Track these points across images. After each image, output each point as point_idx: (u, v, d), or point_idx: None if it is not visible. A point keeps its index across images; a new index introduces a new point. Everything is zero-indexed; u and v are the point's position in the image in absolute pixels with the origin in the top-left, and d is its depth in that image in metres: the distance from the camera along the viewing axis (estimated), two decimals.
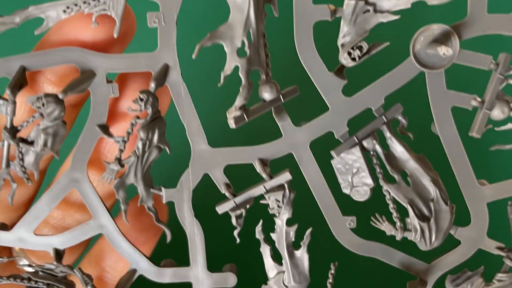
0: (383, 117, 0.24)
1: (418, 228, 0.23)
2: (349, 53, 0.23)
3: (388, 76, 0.23)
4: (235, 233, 0.25)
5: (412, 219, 0.24)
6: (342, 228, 0.25)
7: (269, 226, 0.25)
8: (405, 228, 0.24)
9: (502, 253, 0.25)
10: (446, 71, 0.23)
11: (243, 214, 0.25)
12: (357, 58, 0.23)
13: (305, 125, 0.24)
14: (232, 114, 0.23)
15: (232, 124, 0.23)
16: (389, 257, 0.25)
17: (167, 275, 0.25)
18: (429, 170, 0.24)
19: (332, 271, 0.25)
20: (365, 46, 0.23)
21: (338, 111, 0.23)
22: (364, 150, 0.24)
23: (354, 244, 0.25)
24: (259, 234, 0.25)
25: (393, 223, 0.24)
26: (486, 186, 0.24)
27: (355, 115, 0.23)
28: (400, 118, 0.24)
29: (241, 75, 0.22)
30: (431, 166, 0.24)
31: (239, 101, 0.22)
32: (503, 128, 0.23)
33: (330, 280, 0.25)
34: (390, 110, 0.24)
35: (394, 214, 0.24)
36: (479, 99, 0.23)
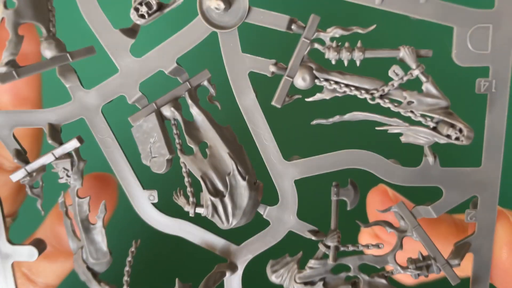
0: (187, 83, 0.22)
1: (210, 203, 0.21)
2: (137, 9, 0.21)
3: (177, 36, 0.21)
4: (38, 204, 0.23)
5: (204, 194, 0.21)
6: (144, 204, 0.23)
7: None
8: (198, 204, 0.22)
9: (313, 237, 0.22)
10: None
11: (41, 184, 0.23)
12: (146, 15, 0.21)
13: (94, 88, 0.22)
14: None
15: None
16: (194, 236, 0.23)
17: None
18: (231, 143, 0.22)
19: (133, 249, 0.23)
20: (154, 2, 0.21)
21: (128, 73, 0.21)
22: (165, 118, 0.22)
23: (158, 221, 0.23)
24: (61, 206, 0.23)
25: (187, 198, 0.22)
26: (293, 162, 0.22)
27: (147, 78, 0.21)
28: (207, 85, 0.22)
29: (8, 27, 0.20)
30: (236, 138, 0.22)
31: (5, 56, 0.20)
32: (310, 99, 0.21)
33: (129, 258, 0.23)
34: (195, 76, 0.22)
35: (188, 188, 0.22)
36: (282, 65, 0.21)
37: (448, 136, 0.20)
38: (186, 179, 0.22)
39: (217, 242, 0.23)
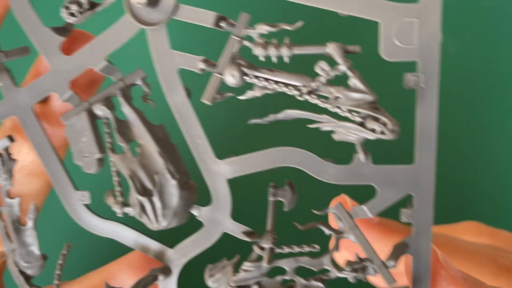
0: (120, 82, 0.22)
1: (137, 203, 0.21)
2: (67, 7, 0.21)
3: (107, 33, 0.21)
4: None
5: (132, 193, 0.21)
6: (76, 205, 0.22)
7: None
8: (127, 204, 0.21)
9: (248, 239, 0.22)
10: None
11: None
12: (77, 14, 0.21)
13: (25, 87, 0.22)
14: None
15: None
16: (129, 239, 0.23)
17: None
18: (162, 142, 0.21)
19: (64, 251, 0.22)
20: (85, 1, 0.21)
21: (58, 71, 0.21)
22: (97, 117, 0.22)
23: (91, 223, 0.23)
24: None
25: (115, 198, 0.22)
26: (225, 161, 0.21)
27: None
28: (141, 84, 0.22)
29: None
30: (168, 137, 0.22)
31: None
32: (242, 97, 0.21)
33: (60, 261, 0.22)
34: (129, 75, 0.22)
35: (116, 188, 0.22)
36: (211, 62, 0.21)
37: (373, 131, 0.19)
38: (115, 178, 0.21)
39: (151, 245, 0.23)
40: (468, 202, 0.38)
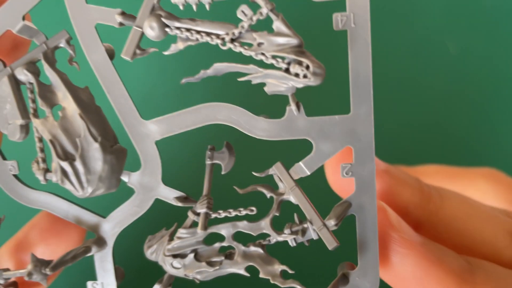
0: (44, 45, 0.21)
1: (59, 168, 0.20)
2: None
3: None
4: None
5: (54, 159, 0.20)
6: (5, 176, 0.21)
7: None
8: (50, 169, 0.20)
9: (181, 204, 0.20)
10: None
11: None
12: None
13: None
14: None
15: None
16: (61, 210, 0.21)
17: None
18: (85, 105, 0.20)
19: None
20: None
21: None
22: (20, 83, 0.21)
23: (21, 195, 0.22)
24: None
25: (38, 165, 0.20)
26: (151, 121, 0.20)
27: None
28: (65, 46, 0.21)
29: None
30: (93, 100, 0.20)
31: None
32: (166, 52, 0.20)
33: None
34: (52, 38, 0.21)
35: (39, 154, 0.20)
36: (130, 15, 0.19)
37: (297, 75, 0.18)
38: (37, 144, 0.20)
39: (85, 216, 0.21)
40: None
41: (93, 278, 0.22)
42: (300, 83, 0.18)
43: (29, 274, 0.20)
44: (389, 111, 0.34)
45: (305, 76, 0.17)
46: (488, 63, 0.37)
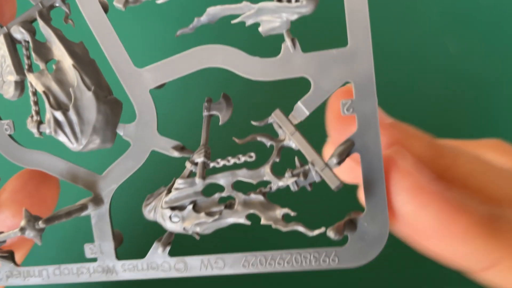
0: (39, 4, 0.21)
1: (52, 118, 0.19)
2: None
3: None
4: None
5: (47, 110, 0.20)
6: (0, 136, 0.21)
7: None
8: (43, 122, 0.20)
9: (178, 154, 0.20)
10: None
11: None
12: None
13: None
14: None
15: None
16: (56, 168, 0.21)
17: None
18: (79, 57, 0.20)
19: None
20: None
21: None
22: (16, 41, 0.21)
23: (15, 155, 0.21)
24: None
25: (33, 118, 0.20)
26: (144, 69, 0.20)
27: None
28: (60, 4, 0.21)
29: None
30: (87, 53, 0.20)
31: None
32: (160, 1, 0.19)
33: None
34: None
35: (33, 107, 0.20)
36: None
37: (289, 1, 0.17)
38: (31, 98, 0.20)
39: (80, 173, 0.21)
40: None
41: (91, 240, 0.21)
42: (294, 13, 0.18)
43: (22, 229, 0.19)
44: (389, 111, 0.34)
45: (297, 1, 0.17)
46: (488, 63, 0.36)
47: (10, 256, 0.22)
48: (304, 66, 0.18)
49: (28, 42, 0.21)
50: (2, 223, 0.21)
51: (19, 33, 0.21)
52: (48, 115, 0.20)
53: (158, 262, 0.20)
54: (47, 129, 0.20)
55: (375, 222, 0.19)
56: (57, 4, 0.21)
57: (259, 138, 0.20)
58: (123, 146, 0.21)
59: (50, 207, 0.21)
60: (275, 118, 0.19)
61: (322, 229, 0.18)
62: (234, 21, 0.19)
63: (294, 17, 0.18)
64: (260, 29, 0.19)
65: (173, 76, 0.20)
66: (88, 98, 0.19)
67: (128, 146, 0.21)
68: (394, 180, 0.19)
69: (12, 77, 0.20)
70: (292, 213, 0.19)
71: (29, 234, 0.19)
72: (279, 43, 0.19)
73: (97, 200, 0.21)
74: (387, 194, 0.18)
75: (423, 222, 0.18)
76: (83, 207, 0.20)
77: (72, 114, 0.19)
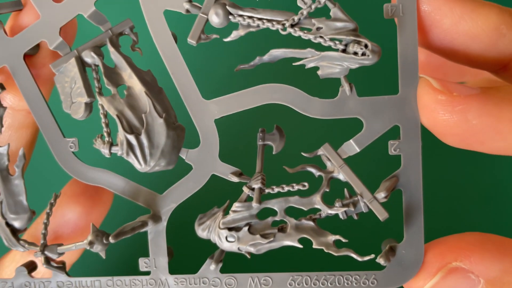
0: (109, 31, 0.22)
1: (125, 141, 0.21)
2: None
3: None
4: None
5: (120, 132, 0.21)
6: (65, 153, 0.22)
7: None
8: (115, 143, 0.21)
9: (237, 180, 0.22)
10: None
11: None
12: None
13: (15, 36, 0.22)
14: None
15: None
16: (117, 186, 0.22)
17: None
18: (149, 85, 0.22)
19: (52, 201, 0.22)
20: None
21: (49, 18, 0.22)
22: (86, 65, 0.22)
23: (79, 171, 0.23)
24: None
25: (103, 139, 0.22)
26: (211, 100, 0.22)
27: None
28: (128, 33, 0.22)
29: None
30: (156, 81, 0.22)
31: None
32: (228, 39, 0.21)
33: (48, 210, 0.22)
34: (117, 25, 0.22)
35: (104, 129, 0.22)
36: (196, 4, 0.21)
37: (355, 54, 0.20)
38: (102, 120, 0.22)
39: (140, 191, 0.22)
40: (471, 204, 0.38)
41: (145, 254, 0.23)
42: (356, 63, 0.20)
43: (91, 243, 0.20)
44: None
45: (363, 54, 0.19)
46: None
47: (63, 267, 0.23)
48: (358, 108, 0.21)
49: (97, 66, 0.22)
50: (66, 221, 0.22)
51: (90, 58, 0.22)
52: (121, 137, 0.21)
53: (209, 277, 0.22)
54: (119, 151, 0.21)
55: (411, 249, 0.21)
56: (126, 32, 0.22)
57: (308, 168, 0.22)
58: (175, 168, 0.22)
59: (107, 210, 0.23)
60: (324, 151, 0.22)
61: (372, 256, 0.20)
62: (295, 63, 0.21)
63: (355, 66, 0.20)
64: (319, 72, 0.21)
65: (237, 109, 0.21)
66: (159, 124, 0.21)
67: (185, 169, 0.22)
68: None
69: (83, 99, 0.22)
70: (344, 240, 0.21)
71: (97, 248, 0.21)
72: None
73: (156, 218, 0.22)
74: None
75: (473, 127, 0.18)
76: (144, 224, 0.22)
77: (143, 138, 0.21)
